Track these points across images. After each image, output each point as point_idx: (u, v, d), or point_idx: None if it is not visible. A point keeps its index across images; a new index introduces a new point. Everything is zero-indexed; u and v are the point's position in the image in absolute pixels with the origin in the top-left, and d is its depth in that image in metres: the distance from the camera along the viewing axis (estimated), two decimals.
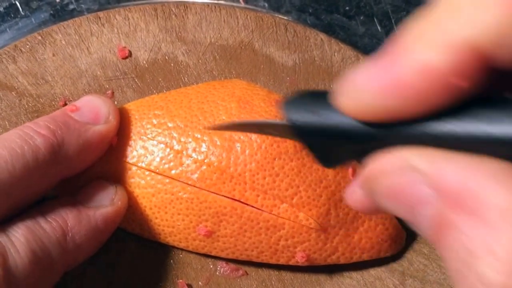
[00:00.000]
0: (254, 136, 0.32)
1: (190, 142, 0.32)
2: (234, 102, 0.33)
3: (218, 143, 0.32)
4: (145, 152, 0.33)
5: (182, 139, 0.32)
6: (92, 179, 0.33)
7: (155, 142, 0.33)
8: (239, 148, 0.32)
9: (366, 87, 0.17)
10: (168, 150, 0.32)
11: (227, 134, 0.32)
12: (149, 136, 0.33)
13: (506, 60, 0.15)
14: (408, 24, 0.16)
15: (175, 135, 0.32)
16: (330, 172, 0.32)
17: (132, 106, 0.34)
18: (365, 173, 0.19)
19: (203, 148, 0.32)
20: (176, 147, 0.32)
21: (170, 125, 0.33)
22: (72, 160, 0.30)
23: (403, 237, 0.34)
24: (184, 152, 0.32)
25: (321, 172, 0.32)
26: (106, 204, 0.31)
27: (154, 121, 0.33)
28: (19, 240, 0.27)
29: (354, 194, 0.21)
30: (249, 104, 0.33)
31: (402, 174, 0.17)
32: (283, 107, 0.21)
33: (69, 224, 0.29)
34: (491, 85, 0.16)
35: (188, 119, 0.33)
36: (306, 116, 0.20)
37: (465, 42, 0.15)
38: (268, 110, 0.32)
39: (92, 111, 0.32)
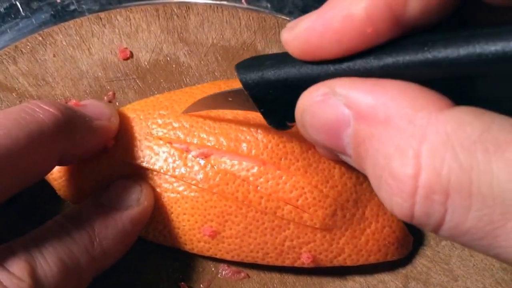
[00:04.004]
0: (260, 136, 0.31)
1: (195, 142, 0.32)
2: None
3: (224, 143, 0.32)
4: (150, 152, 0.32)
5: (188, 139, 0.32)
6: (100, 180, 0.32)
7: (161, 142, 0.32)
8: (245, 148, 0.31)
9: (304, 27, 0.21)
10: (173, 150, 0.32)
11: (233, 134, 0.31)
12: (154, 136, 0.33)
13: (417, 13, 0.19)
14: None
15: (180, 135, 0.32)
16: (336, 172, 0.32)
17: (137, 106, 0.34)
18: (297, 109, 0.22)
19: (208, 148, 0.32)
20: (181, 147, 0.32)
21: (175, 125, 0.33)
22: (75, 140, 0.29)
23: (410, 241, 0.34)
24: (189, 153, 0.32)
25: (327, 172, 0.32)
26: (132, 205, 0.31)
27: (160, 121, 0.33)
28: (47, 249, 0.26)
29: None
30: None
31: (326, 100, 0.20)
32: (236, 71, 0.24)
33: (96, 230, 0.29)
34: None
35: (194, 119, 0.32)
36: (256, 74, 0.23)
37: None
38: None
39: (96, 110, 0.31)
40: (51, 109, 0.27)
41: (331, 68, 0.21)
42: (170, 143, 0.32)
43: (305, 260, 0.32)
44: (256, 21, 0.38)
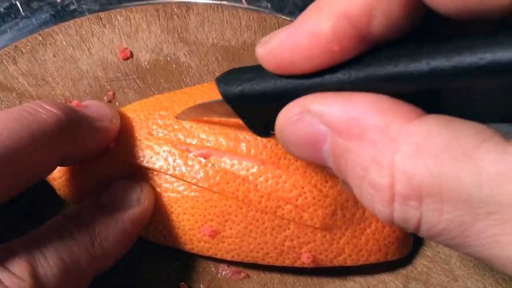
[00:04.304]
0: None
1: (195, 143, 0.32)
2: None
3: (224, 143, 0.32)
4: (151, 152, 0.32)
5: (188, 140, 0.32)
6: (100, 180, 0.32)
7: (161, 141, 0.32)
8: (244, 148, 0.31)
9: (277, 43, 0.21)
10: (173, 149, 0.32)
11: (232, 134, 0.32)
12: (155, 136, 0.33)
13: (382, 29, 0.20)
14: None
15: (180, 136, 0.32)
16: None
17: (137, 106, 0.34)
18: (276, 128, 0.23)
19: (208, 148, 0.32)
20: (182, 147, 0.32)
21: (176, 126, 0.33)
22: (77, 141, 0.29)
23: (410, 241, 0.34)
24: (189, 153, 0.32)
25: (326, 172, 0.32)
26: (132, 205, 0.31)
27: (160, 122, 0.33)
28: (48, 248, 0.26)
29: None
30: None
31: (302, 118, 0.21)
32: (217, 84, 0.25)
33: (96, 230, 0.29)
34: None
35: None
36: (235, 88, 0.24)
37: (342, 12, 0.20)
38: None
39: (97, 111, 0.31)
40: (53, 109, 0.27)
41: (305, 83, 0.21)
42: (171, 143, 0.32)
43: (305, 260, 0.32)
44: (257, 21, 0.38)
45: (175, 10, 0.38)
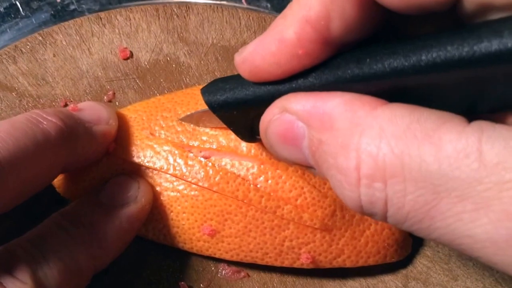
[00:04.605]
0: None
1: (197, 145, 0.32)
2: None
3: (224, 143, 0.32)
4: (151, 151, 0.32)
5: (191, 143, 0.32)
6: (100, 178, 0.32)
7: (161, 141, 0.32)
8: (244, 149, 0.32)
9: (249, 51, 0.23)
10: (174, 149, 0.32)
11: (233, 135, 0.32)
12: (157, 137, 0.33)
13: (341, 31, 0.21)
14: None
15: (183, 139, 0.32)
16: None
17: (138, 107, 0.34)
18: (260, 131, 0.24)
19: (210, 150, 0.32)
20: (183, 148, 0.32)
21: (178, 128, 0.33)
22: (77, 149, 0.30)
23: (409, 243, 0.34)
24: (190, 153, 0.32)
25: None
26: (130, 202, 0.31)
27: (162, 123, 0.33)
28: (47, 250, 0.27)
29: None
30: None
31: (282, 117, 0.22)
32: (202, 95, 0.26)
33: (94, 227, 0.29)
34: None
35: None
36: (219, 98, 0.25)
37: (304, 18, 0.21)
38: None
39: (94, 114, 0.32)
40: (54, 120, 0.28)
41: (281, 88, 0.23)
42: (172, 144, 0.32)
43: (304, 260, 0.32)
44: (256, 21, 0.38)
45: (175, 10, 0.38)
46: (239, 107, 0.25)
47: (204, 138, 0.32)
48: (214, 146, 0.32)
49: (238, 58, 0.24)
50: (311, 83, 0.22)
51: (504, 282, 0.34)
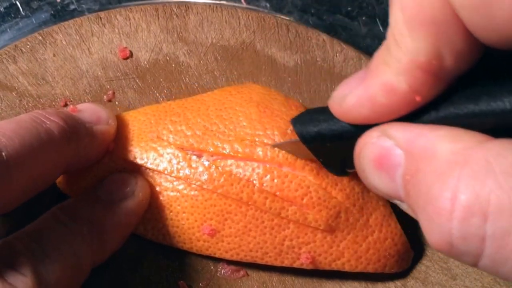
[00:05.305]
0: (277, 137, 0.32)
1: (210, 150, 0.32)
2: (253, 107, 0.33)
3: (240, 150, 0.32)
4: (155, 154, 0.33)
5: (201, 147, 0.32)
6: (100, 176, 0.33)
7: (165, 143, 0.33)
8: (261, 153, 0.32)
9: (351, 103, 0.22)
10: (177, 151, 0.32)
11: (249, 138, 0.32)
12: (164, 140, 0.33)
13: (453, 64, 0.20)
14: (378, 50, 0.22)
15: (193, 143, 0.32)
16: (345, 176, 0.32)
17: (148, 110, 0.35)
18: (355, 154, 0.23)
19: (224, 155, 0.32)
20: (194, 153, 0.32)
21: (188, 133, 0.33)
22: (80, 149, 0.30)
23: (410, 256, 0.34)
24: (193, 155, 0.32)
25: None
26: (127, 197, 0.31)
27: (171, 127, 0.33)
28: (47, 244, 0.27)
29: None
30: (269, 108, 0.33)
31: (379, 141, 0.22)
32: (293, 126, 0.26)
33: (92, 222, 0.29)
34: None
35: (207, 127, 0.33)
36: (312, 129, 0.25)
37: (413, 64, 0.20)
38: (289, 114, 0.32)
39: (94, 114, 0.32)
40: (56, 120, 0.28)
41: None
42: (178, 148, 0.32)
43: (304, 261, 0.32)
44: (255, 20, 0.38)
45: (175, 9, 0.38)
46: (333, 139, 0.25)
47: (217, 143, 0.32)
48: (227, 152, 0.32)
49: (338, 108, 0.23)
50: (420, 119, 0.21)
51: (503, 281, 0.34)
